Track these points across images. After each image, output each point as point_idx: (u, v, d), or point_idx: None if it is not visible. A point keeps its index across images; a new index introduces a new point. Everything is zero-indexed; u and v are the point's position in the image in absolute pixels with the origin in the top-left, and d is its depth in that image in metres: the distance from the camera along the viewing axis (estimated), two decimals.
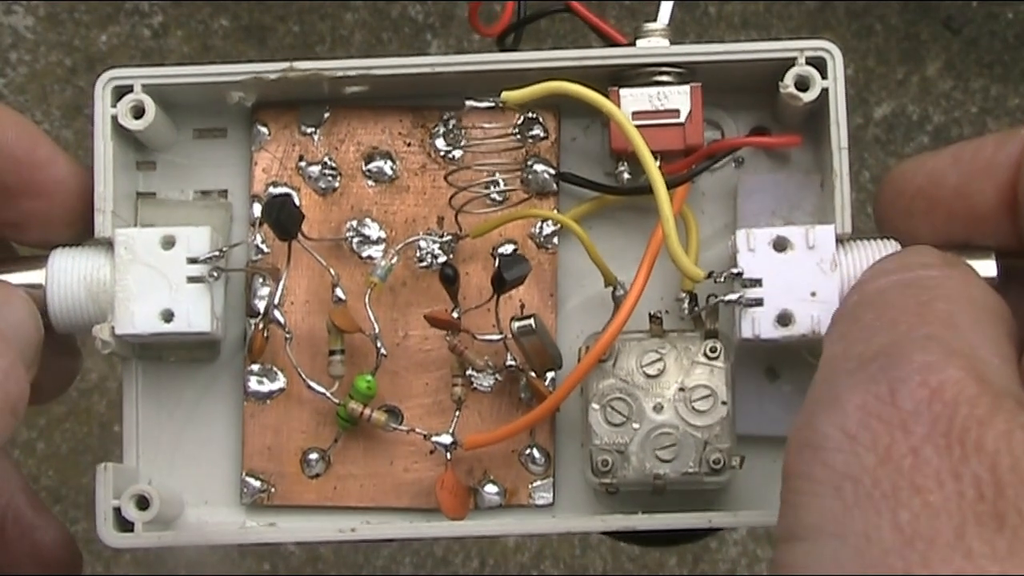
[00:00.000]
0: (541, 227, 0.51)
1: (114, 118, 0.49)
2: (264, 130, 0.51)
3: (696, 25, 1.22)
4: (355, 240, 0.50)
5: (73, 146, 1.20)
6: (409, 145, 0.51)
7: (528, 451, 0.49)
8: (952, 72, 1.21)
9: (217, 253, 0.48)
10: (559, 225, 0.50)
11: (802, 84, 0.48)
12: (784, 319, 0.46)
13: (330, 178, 0.51)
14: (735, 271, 0.46)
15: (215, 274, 0.48)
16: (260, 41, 1.23)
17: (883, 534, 0.34)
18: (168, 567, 1.03)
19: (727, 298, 0.46)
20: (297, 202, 0.50)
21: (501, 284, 0.47)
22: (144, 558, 1.10)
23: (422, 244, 0.50)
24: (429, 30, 1.23)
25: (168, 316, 0.48)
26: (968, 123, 1.20)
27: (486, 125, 0.50)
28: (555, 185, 0.50)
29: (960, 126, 1.20)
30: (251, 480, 0.50)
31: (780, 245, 0.46)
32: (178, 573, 0.96)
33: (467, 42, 1.22)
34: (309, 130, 0.51)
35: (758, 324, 0.46)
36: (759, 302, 0.46)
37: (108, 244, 0.48)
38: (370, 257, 0.50)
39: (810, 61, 0.48)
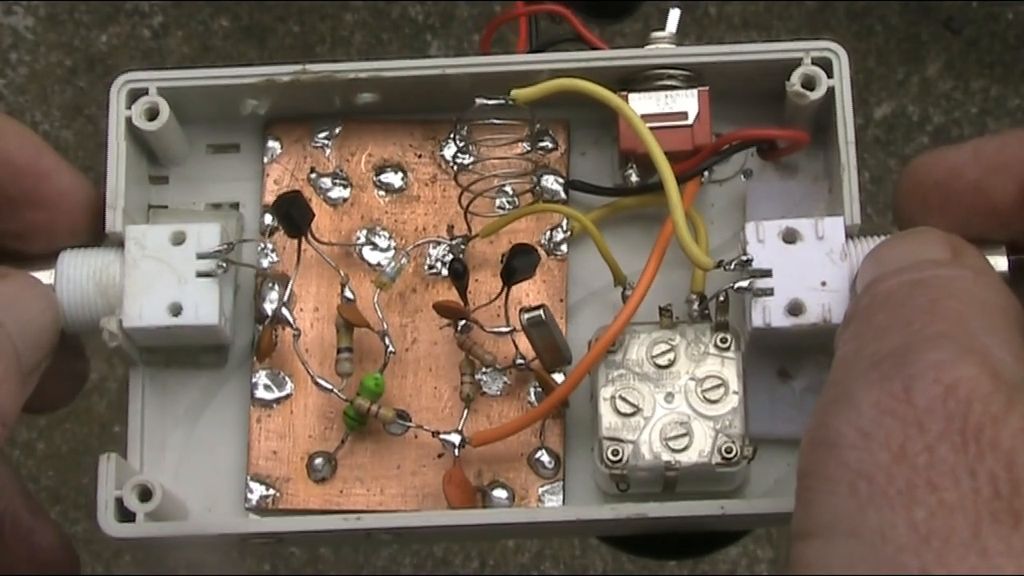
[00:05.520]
0: (551, 234, 0.51)
1: (128, 120, 0.49)
2: (276, 144, 0.51)
3: (696, 26, 1.22)
4: (365, 248, 0.51)
5: (73, 147, 1.20)
6: (420, 156, 0.51)
7: (537, 454, 0.49)
8: (952, 73, 1.21)
9: (226, 247, 0.48)
10: (569, 232, 0.50)
11: (808, 83, 0.48)
12: (795, 308, 0.46)
13: (341, 188, 0.51)
14: (744, 258, 0.46)
15: (223, 266, 0.48)
16: (260, 42, 1.23)
17: (898, 532, 0.34)
18: (168, 567, 1.02)
19: (737, 285, 0.46)
20: None
21: (511, 273, 0.47)
22: (144, 558, 1.10)
23: (432, 251, 0.50)
24: (429, 31, 1.23)
25: (176, 309, 0.47)
26: (968, 124, 1.21)
27: (496, 125, 0.50)
28: (564, 194, 0.50)
29: (960, 127, 1.21)
30: (256, 485, 0.50)
31: (790, 237, 0.47)
32: (178, 573, 0.96)
33: (467, 43, 1.23)
34: (321, 143, 0.51)
35: (769, 313, 0.46)
36: (769, 291, 0.46)
37: (118, 244, 0.48)
38: (379, 264, 0.50)
39: (816, 61, 0.48)
